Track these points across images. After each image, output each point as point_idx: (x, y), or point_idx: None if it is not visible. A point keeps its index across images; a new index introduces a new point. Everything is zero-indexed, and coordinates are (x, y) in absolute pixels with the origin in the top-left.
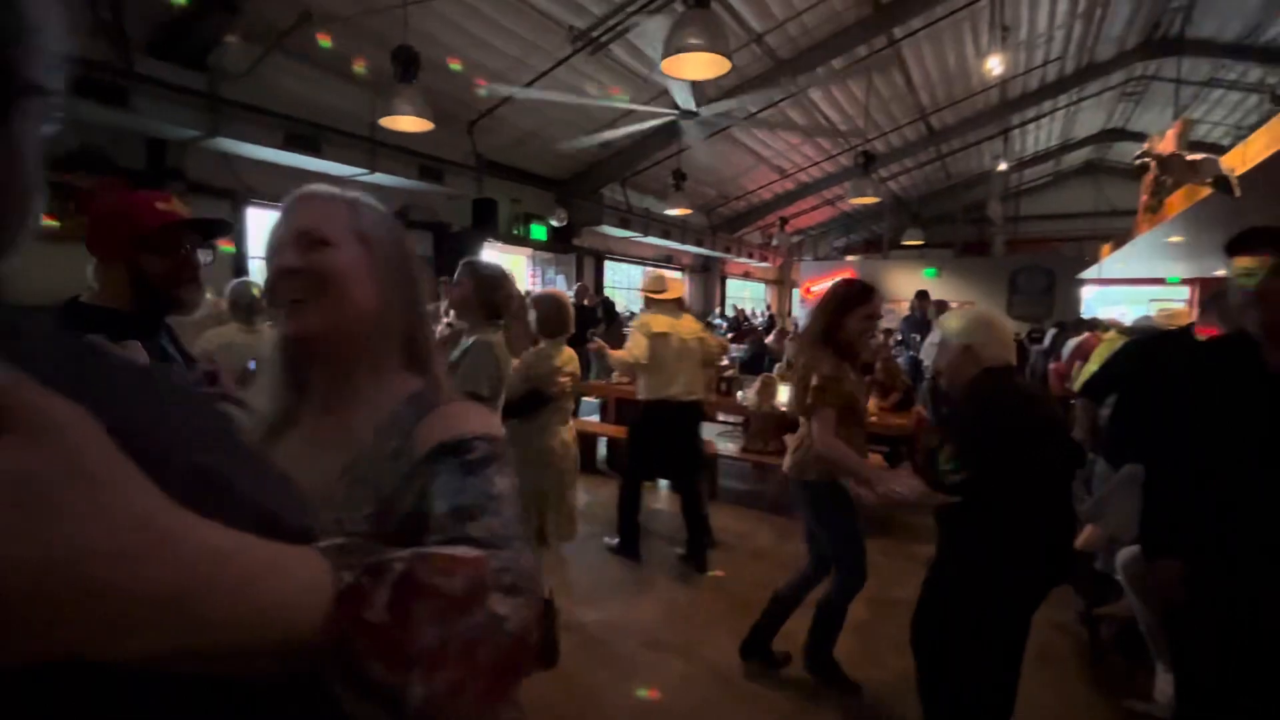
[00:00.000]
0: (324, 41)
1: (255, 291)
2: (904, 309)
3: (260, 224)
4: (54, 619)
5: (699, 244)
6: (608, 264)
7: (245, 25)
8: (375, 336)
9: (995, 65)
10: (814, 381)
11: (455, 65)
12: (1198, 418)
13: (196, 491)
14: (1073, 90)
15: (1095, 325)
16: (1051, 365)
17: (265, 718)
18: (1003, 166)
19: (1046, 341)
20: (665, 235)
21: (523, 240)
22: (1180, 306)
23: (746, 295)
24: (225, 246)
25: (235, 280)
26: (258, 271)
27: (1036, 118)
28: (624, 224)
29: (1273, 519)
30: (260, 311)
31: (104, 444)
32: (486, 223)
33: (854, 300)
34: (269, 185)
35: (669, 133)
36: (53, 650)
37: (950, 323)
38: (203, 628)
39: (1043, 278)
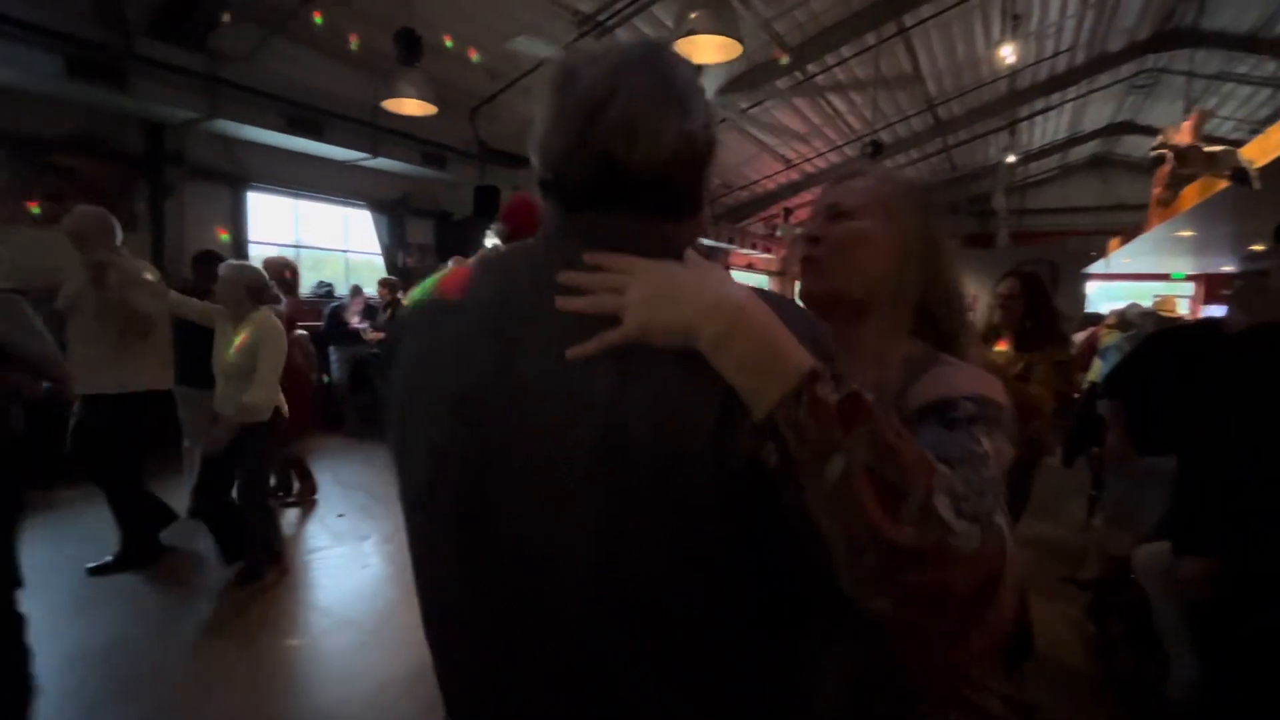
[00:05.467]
0: (318, 19)
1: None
2: None
3: (262, 209)
4: (752, 340)
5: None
6: None
7: (246, 7)
8: (886, 302)
9: (1008, 54)
10: None
11: (449, 42)
12: (1236, 413)
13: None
14: (1082, 82)
15: (1098, 320)
16: None
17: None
18: (1011, 159)
19: None
20: None
21: None
22: (1171, 295)
23: None
24: (222, 235)
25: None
26: (257, 258)
27: (1045, 110)
28: None
29: None
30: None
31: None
32: (488, 210)
33: None
34: (270, 169)
35: None
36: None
37: None
38: (776, 354)
39: (1047, 271)
